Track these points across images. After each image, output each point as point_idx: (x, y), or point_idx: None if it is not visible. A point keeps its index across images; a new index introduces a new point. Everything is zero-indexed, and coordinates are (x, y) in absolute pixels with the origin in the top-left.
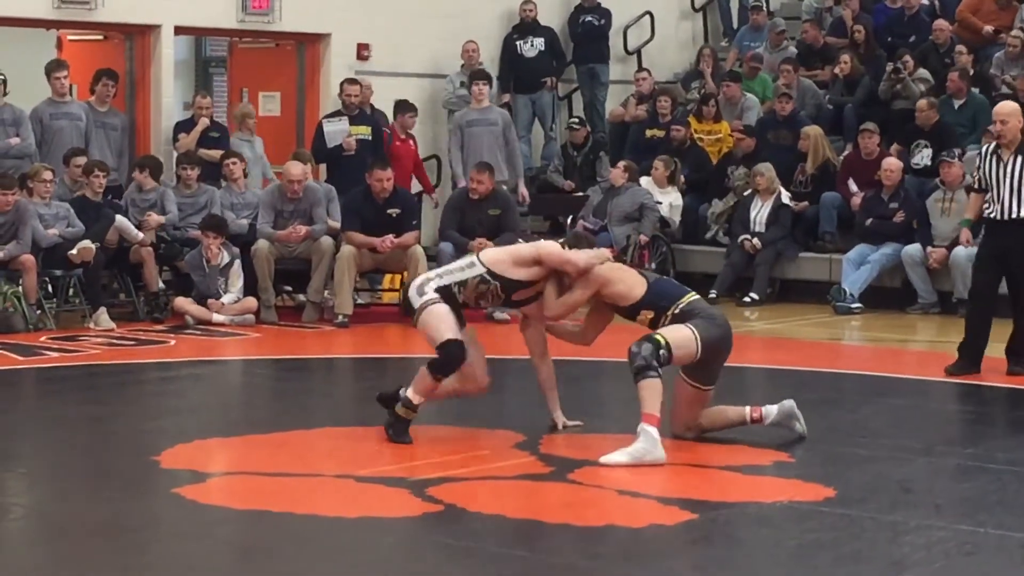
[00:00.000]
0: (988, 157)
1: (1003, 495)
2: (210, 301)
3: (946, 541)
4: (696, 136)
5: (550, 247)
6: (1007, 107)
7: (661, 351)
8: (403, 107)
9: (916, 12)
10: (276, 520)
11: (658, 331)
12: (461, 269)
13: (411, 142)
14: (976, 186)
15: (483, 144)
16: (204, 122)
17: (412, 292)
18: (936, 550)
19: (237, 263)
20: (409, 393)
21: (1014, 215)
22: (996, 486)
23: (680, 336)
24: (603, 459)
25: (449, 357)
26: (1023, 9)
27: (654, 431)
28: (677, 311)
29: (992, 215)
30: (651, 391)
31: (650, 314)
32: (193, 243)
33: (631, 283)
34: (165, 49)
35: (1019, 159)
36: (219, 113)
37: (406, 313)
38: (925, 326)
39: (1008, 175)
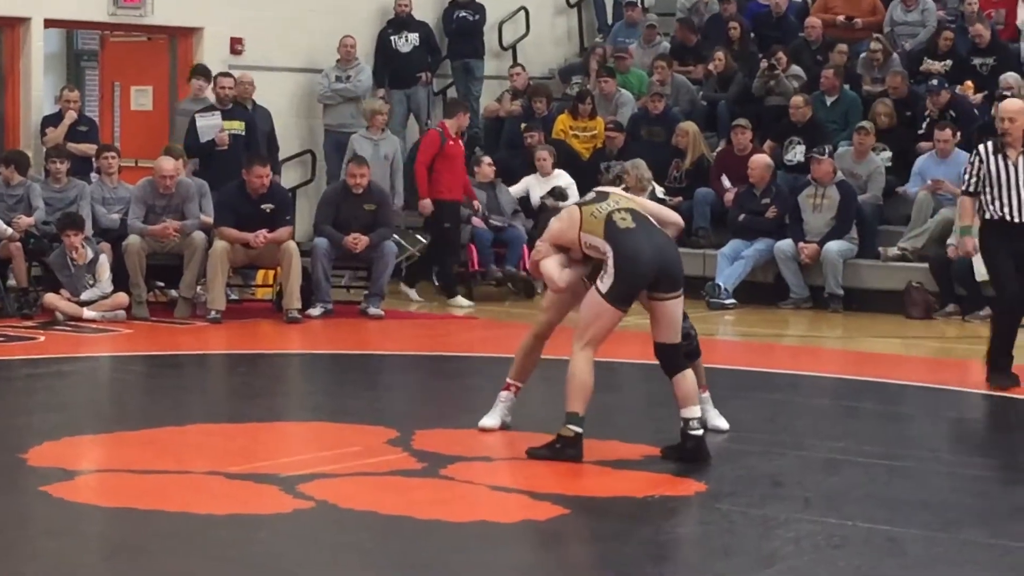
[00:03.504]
0: (991, 157)
1: (871, 488)
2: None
3: (815, 534)
4: (571, 133)
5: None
6: (1014, 105)
7: None
8: (457, 105)
9: (784, 14)
10: (145, 518)
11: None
12: None
13: (461, 142)
14: (971, 189)
15: None
16: (71, 115)
17: None
18: (805, 543)
19: (103, 258)
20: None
21: None
22: (865, 479)
23: None
24: (722, 424)
25: None
26: (891, 10)
27: None
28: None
29: (1008, 218)
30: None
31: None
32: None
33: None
34: (35, 42)
35: None
36: (91, 107)
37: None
38: (797, 321)
39: (1018, 175)
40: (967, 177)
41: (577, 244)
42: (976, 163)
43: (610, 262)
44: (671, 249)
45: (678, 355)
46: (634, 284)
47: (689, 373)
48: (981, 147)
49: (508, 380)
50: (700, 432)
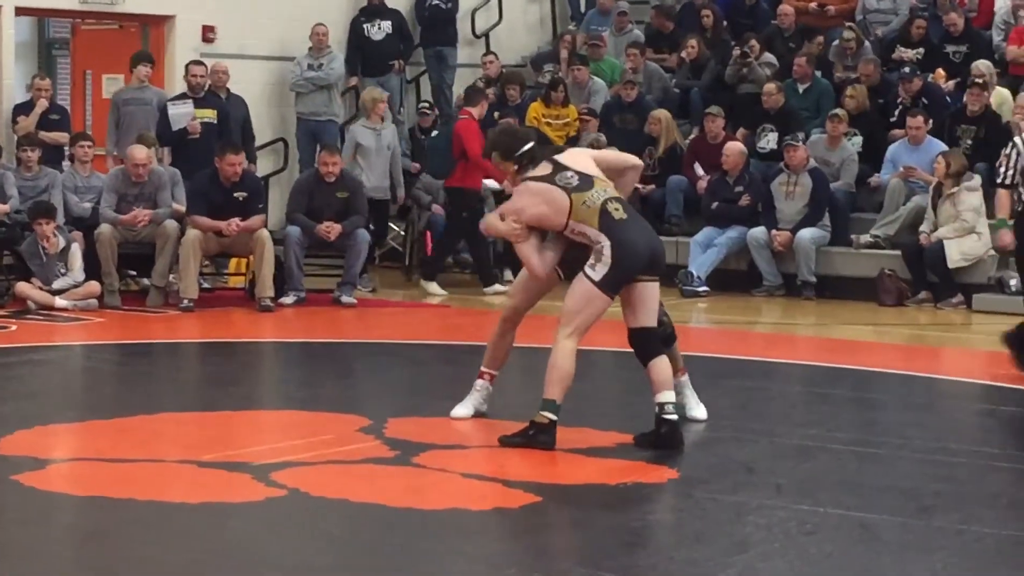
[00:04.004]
0: None
1: (843, 475)
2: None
3: (787, 521)
4: (544, 121)
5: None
6: None
7: None
8: (479, 93)
9: (757, 2)
10: (118, 506)
11: None
12: None
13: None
14: (1007, 182)
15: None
16: (43, 104)
17: None
18: (777, 530)
19: (75, 246)
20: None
21: None
22: (836, 466)
23: None
24: (701, 414)
25: None
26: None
27: None
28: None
29: None
30: None
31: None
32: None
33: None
34: (6, 30)
35: None
36: (62, 95)
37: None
38: (770, 308)
39: None
40: (1002, 170)
41: (563, 229)
42: (1013, 155)
43: (606, 251)
44: (656, 236)
45: (653, 340)
46: (629, 272)
47: (664, 359)
48: (1017, 139)
49: (482, 369)
50: (675, 417)
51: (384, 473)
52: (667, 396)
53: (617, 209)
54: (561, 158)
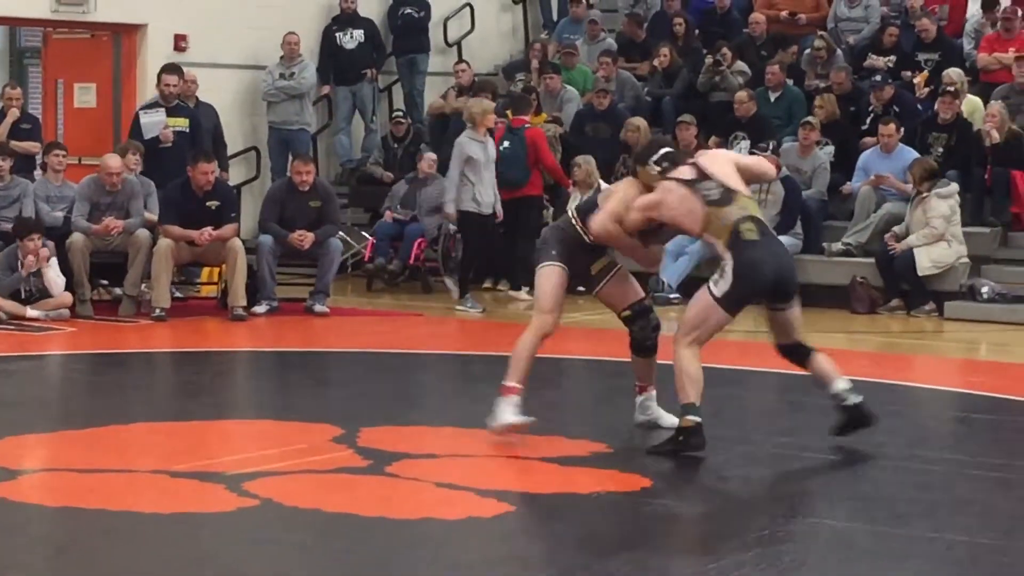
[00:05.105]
0: None
1: (817, 482)
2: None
3: (761, 529)
4: None
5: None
6: None
7: None
8: (525, 102)
9: (728, 10)
10: (90, 517)
11: None
12: None
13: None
14: None
15: None
16: (14, 113)
17: None
18: (750, 538)
19: (53, 260)
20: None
21: None
22: (810, 474)
23: None
24: (673, 421)
25: None
26: (835, 6)
27: None
28: None
29: None
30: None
31: None
32: (6, 236)
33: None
34: None
35: None
36: (34, 104)
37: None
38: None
39: None
40: None
41: (697, 235)
42: None
43: (728, 269)
44: (788, 261)
45: (799, 350)
46: (750, 292)
47: (820, 355)
48: None
49: (513, 384)
50: (857, 399)
51: (357, 483)
52: (839, 385)
53: (750, 230)
54: (704, 162)
